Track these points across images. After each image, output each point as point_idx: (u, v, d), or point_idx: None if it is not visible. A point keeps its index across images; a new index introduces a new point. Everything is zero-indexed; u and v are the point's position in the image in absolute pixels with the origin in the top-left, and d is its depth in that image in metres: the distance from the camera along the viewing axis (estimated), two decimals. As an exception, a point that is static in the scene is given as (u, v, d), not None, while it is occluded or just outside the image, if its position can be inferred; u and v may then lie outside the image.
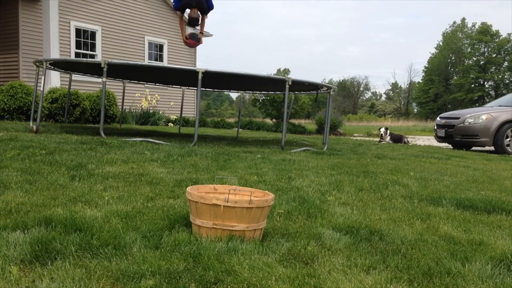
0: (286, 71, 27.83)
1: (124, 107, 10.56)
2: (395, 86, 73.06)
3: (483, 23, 56.56)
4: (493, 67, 55.70)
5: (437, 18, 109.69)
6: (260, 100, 18.40)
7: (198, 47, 16.70)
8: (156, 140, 6.23)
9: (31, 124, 7.35)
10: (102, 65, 5.95)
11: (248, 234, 2.03)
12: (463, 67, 56.24)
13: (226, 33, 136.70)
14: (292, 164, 4.72)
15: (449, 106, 54.48)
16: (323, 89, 7.92)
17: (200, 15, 6.08)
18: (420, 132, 22.44)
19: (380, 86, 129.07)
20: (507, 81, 55.78)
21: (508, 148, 9.13)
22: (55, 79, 10.59)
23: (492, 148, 9.34)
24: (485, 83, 56.62)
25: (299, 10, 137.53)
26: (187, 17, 6.15)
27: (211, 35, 17.32)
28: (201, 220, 2.04)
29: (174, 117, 13.88)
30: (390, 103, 66.81)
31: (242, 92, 10.66)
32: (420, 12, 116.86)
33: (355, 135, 16.82)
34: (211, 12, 6.21)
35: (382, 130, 11.30)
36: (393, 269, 1.79)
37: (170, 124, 13.45)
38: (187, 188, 2.16)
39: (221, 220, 2.00)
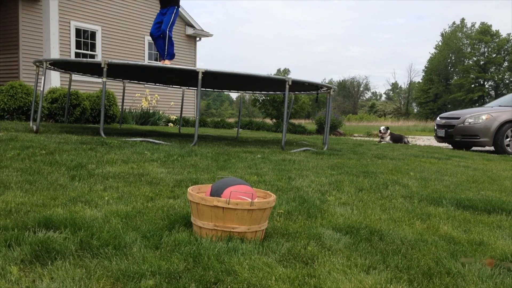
0: (286, 71, 27.88)
1: (124, 107, 10.55)
2: (395, 86, 73.06)
3: (483, 23, 56.56)
4: (493, 67, 55.69)
5: (439, 18, 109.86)
6: (260, 100, 18.38)
7: (198, 47, 16.76)
8: (156, 140, 6.22)
9: (31, 124, 7.34)
10: (102, 65, 5.95)
11: (249, 236, 2.02)
12: (463, 67, 56.23)
13: (228, 33, 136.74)
14: (292, 164, 4.72)
15: (449, 106, 54.47)
16: (323, 89, 7.91)
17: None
18: (420, 132, 22.43)
19: (380, 86, 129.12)
20: (507, 81, 55.79)
21: (508, 148, 9.13)
22: (55, 79, 10.58)
23: (492, 148, 9.34)
24: (485, 83, 56.63)
25: (301, 10, 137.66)
26: None
27: (211, 35, 17.31)
28: (202, 221, 2.03)
29: (174, 117, 13.87)
30: (390, 103, 66.79)
31: (242, 92, 10.66)
32: (422, 13, 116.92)
33: (355, 135, 16.81)
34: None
35: (382, 128, 11.25)
36: (393, 269, 1.79)
37: (170, 124, 13.44)
38: (188, 189, 2.16)
39: (222, 222, 2.00)
